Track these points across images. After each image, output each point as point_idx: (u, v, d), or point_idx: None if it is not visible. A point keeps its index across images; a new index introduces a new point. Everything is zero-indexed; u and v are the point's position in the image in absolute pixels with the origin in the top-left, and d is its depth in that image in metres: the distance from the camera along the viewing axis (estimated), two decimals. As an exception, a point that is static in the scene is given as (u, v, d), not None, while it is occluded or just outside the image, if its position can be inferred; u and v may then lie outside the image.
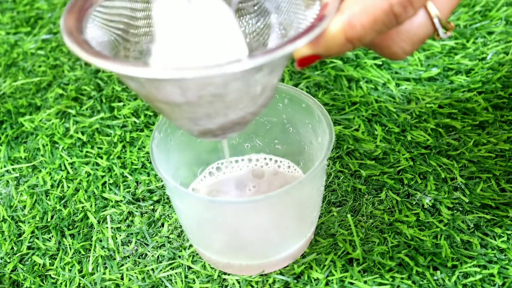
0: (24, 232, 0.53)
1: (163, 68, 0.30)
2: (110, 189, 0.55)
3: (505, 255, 0.47)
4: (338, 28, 0.32)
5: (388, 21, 0.32)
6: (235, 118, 0.35)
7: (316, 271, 0.47)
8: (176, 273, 0.48)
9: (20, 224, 0.54)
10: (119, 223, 0.52)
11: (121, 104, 0.64)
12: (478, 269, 0.46)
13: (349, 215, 0.50)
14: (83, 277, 0.49)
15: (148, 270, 0.48)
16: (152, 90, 0.32)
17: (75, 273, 0.49)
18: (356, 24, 0.32)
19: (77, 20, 0.34)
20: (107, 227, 0.52)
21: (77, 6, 0.35)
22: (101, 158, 0.58)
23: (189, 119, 0.35)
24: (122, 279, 0.48)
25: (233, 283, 0.47)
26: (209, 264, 0.48)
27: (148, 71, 0.30)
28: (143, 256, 0.50)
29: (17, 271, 0.50)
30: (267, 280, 0.47)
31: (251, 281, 0.47)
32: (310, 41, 0.31)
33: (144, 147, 0.59)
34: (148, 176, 0.56)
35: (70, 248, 0.51)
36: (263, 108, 0.36)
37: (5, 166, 0.59)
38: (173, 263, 0.49)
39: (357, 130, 0.58)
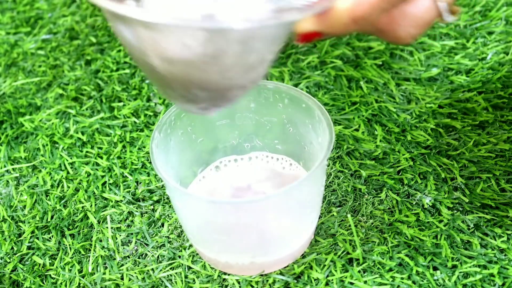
0: (24, 232, 0.53)
1: (175, 14, 0.29)
2: (110, 189, 0.55)
3: (505, 255, 0.47)
4: (344, 6, 0.32)
5: None
6: (223, 87, 0.34)
7: (316, 271, 0.47)
8: (176, 273, 0.48)
9: (20, 224, 0.54)
10: (119, 223, 0.52)
11: (121, 104, 0.64)
12: (478, 269, 0.46)
13: (349, 215, 0.50)
14: (83, 277, 0.49)
15: (148, 270, 0.48)
16: (150, 41, 0.31)
17: (75, 273, 0.49)
18: (363, 2, 0.32)
19: None
20: (107, 227, 0.52)
21: None
22: (101, 158, 0.58)
23: (179, 83, 0.34)
24: (122, 279, 0.48)
25: (233, 283, 0.47)
26: (209, 264, 0.48)
27: (161, 15, 0.29)
28: (143, 256, 0.50)
29: (17, 271, 0.50)
30: (267, 280, 0.47)
31: (251, 281, 0.47)
32: (318, 12, 0.31)
33: (144, 147, 0.59)
34: (148, 176, 0.56)
35: (70, 248, 0.51)
36: (252, 85, 0.36)
37: (5, 166, 0.59)
38: (173, 263, 0.49)
39: (357, 130, 0.58)
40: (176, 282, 0.47)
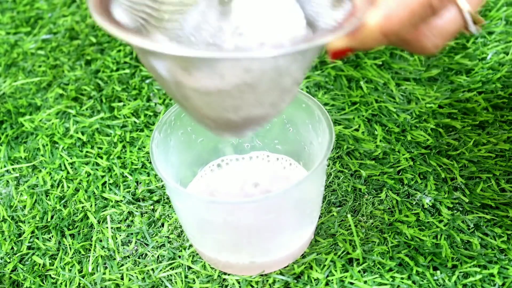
0: (24, 232, 0.53)
1: (205, 48, 0.29)
2: (110, 189, 0.55)
3: (505, 255, 0.47)
4: (375, 22, 0.32)
5: (424, 13, 0.32)
6: (259, 112, 0.35)
7: (316, 271, 0.47)
8: (176, 273, 0.48)
9: (20, 224, 0.54)
10: (119, 223, 0.52)
11: (121, 104, 0.64)
12: (478, 269, 0.46)
13: (349, 215, 0.50)
14: (83, 277, 0.49)
15: (148, 270, 0.48)
16: (185, 75, 0.32)
17: (75, 273, 0.49)
18: (394, 18, 0.32)
19: (102, 4, 0.33)
20: (107, 227, 0.52)
21: None
22: (101, 158, 0.58)
23: (215, 111, 0.34)
24: (122, 279, 0.48)
25: (233, 283, 0.47)
26: (209, 264, 0.48)
27: (191, 50, 0.29)
28: (143, 256, 0.50)
29: (17, 271, 0.50)
30: (267, 280, 0.47)
31: (251, 281, 0.47)
32: (348, 32, 0.31)
33: (144, 147, 0.59)
34: (148, 176, 0.56)
35: (70, 248, 0.51)
36: (286, 106, 0.36)
37: (5, 166, 0.59)
38: (173, 263, 0.49)
39: (357, 130, 0.58)
40: (176, 282, 0.47)
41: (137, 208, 0.53)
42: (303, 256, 0.48)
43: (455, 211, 0.50)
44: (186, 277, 0.48)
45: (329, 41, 0.30)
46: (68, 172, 0.57)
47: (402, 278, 0.46)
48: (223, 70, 0.31)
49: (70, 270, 0.49)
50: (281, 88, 0.34)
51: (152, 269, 0.49)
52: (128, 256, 0.50)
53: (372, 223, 0.50)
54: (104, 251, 0.50)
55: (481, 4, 0.35)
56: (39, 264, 0.50)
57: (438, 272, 0.46)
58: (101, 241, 0.51)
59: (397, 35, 0.33)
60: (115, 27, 0.30)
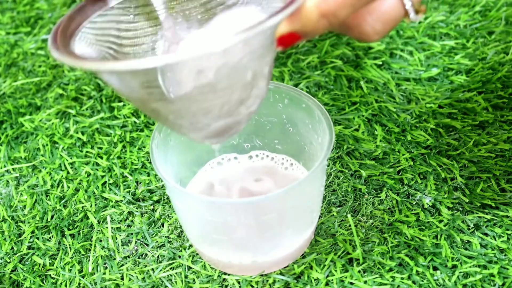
0: (24, 232, 0.53)
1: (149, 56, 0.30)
2: (110, 189, 0.55)
3: (505, 255, 0.47)
4: (313, 2, 0.32)
5: None
6: (231, 109, 0.35)
7: (316, 271, 0.47)
8: (176, 273, 0.48)
9: (20, 224, 0.54)
10: (119, 223, 0.52)
11: (121, 104, 0.64)
12: (478, 269, 0.46)
13: (349, 215, 0.50)
14: (83, 277, 0.49)
15: (148, 270, 0.48)
16: (141, 89, 0.32)
17: (75, 273, 0.49)
18: None
19: (64, 39, 0.34)
20: (107, 227, 0.52)
21: (62, 28, 0.34)
22: (101, 158, 0.58)
23: (187, 120, 0.35)
24: (122, 279, 0.48)
25: (233, 283, 0.47)
26: (209, 264, 0.48)
27: (134, 61, 0.29)
28: (143, 256, 0.50)
29: (17, 271, 0.50)
30: (267, 280, 0.47)
31: (251, 281, 0.47)
32: (288, 14, 0.31)
33: (144, 147, 0.59)
34: (148, 176, 0.56)
35: (70, 248, 0.51)
36: (258, 100, 0.36)
37: (5, 166, 0.59)
38: (173, 263, 0.49)
39: (357, 130, 0.58)
40: (176, 282, 0.47)
41: (137, 208, 0.53)
42: (303, 256, 0.48)
43: (455, 211, 0.50)
44: (186, 277, 0.48)
45: (269, 26, 0.30)
46: (68, 172, 0.57)
47: (402, 278, 0.46)
48: (178, 76, 0.31)
49: (70, 270, 0.49)
50: (243, 83, 0.34)
51: (152, 269, 0.49)
52: (128, 256, 0.50)
53: (372, 223, 0.50)
54: (104, 251, 0.50)
55: None
56: (39, 264, 0.50)
57: (438, 272, 0.46)
58: (101, 241, 0.51)
59: (335, 16, 0.33)
60: (70, 58, 0.31)
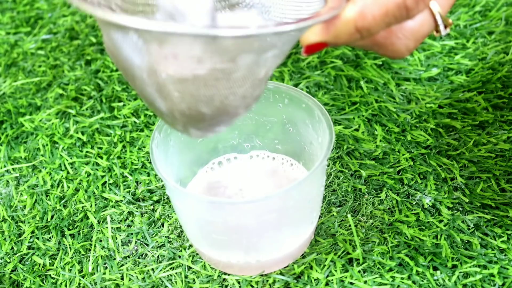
0: (24, 232, 0.53)
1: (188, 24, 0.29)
2: (110, 189, 0.55)
3: (505, 255, 0.47)
4: (349, 17, 0.33)
5: (399, 14, 0.32)
6: (233, 104, 0.34)
7: (316, 271, 0.47)
8: (176, 273, 0.48)
9: (20, 224, 0.54)
10: (119, 223, 0.52)
11: (121, 104, 0.64)
12: (478, 269, 0.46)
13: (349, 215, 0.50)
14: (83, 277, 0.49)
15: (148, 270, 0.48)
16: (161, 59, 0.31)
17: (75, 273, 0.49)
18: (368, 14, 0.32)
19: None
20: (107, 227, 0.52)
21: None
22: (101, 158, 0.58)
23: (186, 102, 0.34)
24: (122, 279, 0.48)
25: (233, 283, 0.47)
26: (209, 264, 0.48)
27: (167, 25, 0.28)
28: (143, 256, 0.50)
29: (17, 271, 0.50)
30: (267, 280, 0.47)
31: (251, 281, 0.47)
32: (324, 21, 0.32)
33: (144, 147, 0.59)
34: (148, 176, 0.56)
35: (70, 248, 0.51)
36: (254, 102, 0.36)
37: (5, 166, 0.59)
38: (173, 263, 0.49)
39: (357, 130, 0.58)
40: (176, 282, 0.47)
41: (137, 208, 0.53)
42: (303, 256, 0.48)
43: (455, 211, 0.50)
44: (186, 277, 0.48)
45: (306, 27, 0.30)
46: (68, 172, 0.57)
47: (402, 278, 0.46)
48: (201, 52, 0.31)
49: (70, 270, 0.49)
50: (254, 79, 0.34)
51: (152, 269, 0.49)
52: (128, 256, 0.50)
53: (372, 223, 0.50)
54: (104, 251, 0.50)
55: (451, 6, 0.35)
56: (39, 264, 0.50)
57: (438, 272, 0.46)
58: (101, 241, 0.51)
59: (369, 32, 0.33)
60: (94, 7, 0.30)
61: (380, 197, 0.52)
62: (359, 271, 0.46)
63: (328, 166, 0.55)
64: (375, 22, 0.32)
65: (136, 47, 0.32)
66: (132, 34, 0.32)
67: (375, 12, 0.32)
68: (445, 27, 0.35)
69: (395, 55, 0.36)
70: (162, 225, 0.52)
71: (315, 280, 0.46)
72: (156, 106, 0.36)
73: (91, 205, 0.54)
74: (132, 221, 0.53)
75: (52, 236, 0.52)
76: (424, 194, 0.52)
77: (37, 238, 0.52)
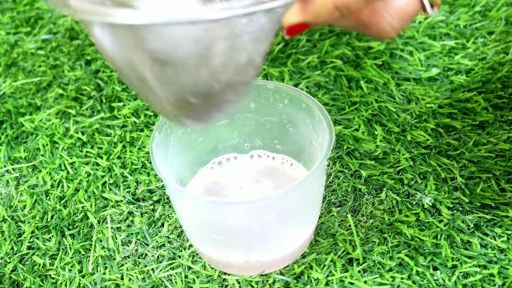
0: (24, 232, 0.53)
1: (155, 11, 0.29)
2: (110, 189, 0.55)
3: (505, 255, 0.47)
4: None
5: None
6: (215, 90, 0.34)
7: (316, 271, 0.47)
8: (176, 273, 0.48)
9: (20, 224, 0.54)
10: (119, 223, 0.52)
11: (121, 104, 0.64)
12: (478, 269, 0.46)
13: (349, 215, 0.50)
14: (83, 277, 0.49)
15: (148, 270, 0.48)
16: (135, 50, 0.32)
17: (75, 273, 0.49)
18: None
19: None
20: (107, 227, 0.52)
21: None
22: (101, 158, 0.58)
23: (171, 93, 0.34)
24: (122, 279, 0.48)
25: (233, 283, 0.47)
26: (209, 264, 0.48)
27: (140, 15, 0.29)
28: (143, 256, 0.50)
29: (17, 271, 0.50)
30: (267, 280, 0.47)
31: (251, 281, 0.47)
32: (296, 0, 0.31)
33: (144, 147, 0.59)
34: (148, 176, 0.56)
35: (70, 248, 0.51)
36: (243, 89, 0.36)
37: (5, 166, 0.59)
38: (173, 263, 0.49)
39: (357, 130, 0.58)
40: (176, 282, 0.47)
41: (137, 208, 0.53)
42: (303, 256, 0.48)
43: (455, 211, 0.50)
44: (186, 277, 0.48)
45: (277, 7, 0.30)
46: (68, 172, 0.57)
47: (402, 278, 0.46)
48: (175, 40, 0.31)
49: (70, 270, 0.49)
50: (237, 65, 0.33)
51: (152, 269, 0.49)
52: (128, 256, 0.50)
53: (372, 223, 0.50)
54: (104, 251, 0.50)
55: None
56: (39, 264, 0.50)
57: (438, 272, 0.46)
58: (101, 241, 0.51)
59: (349, 10, 0.32)
60: (67, 8, 0.30)
61: (380, 197, 0.52)
62: (359, 271, 0.46)
63: (328, 166, 0.55)
64: None
65: (112, 40, 0.33)
66: (105, 27, 0.32)
67: None
68: (432, 6, 0.34)
69: (381, 35, 0.35)
70: (162, 225, 0.52)
71: (315, 280, 0.46)
72: (147, 98, 0.36)
73: (91, 205, 0.54)
74: (132, 221, 0.53)
75: (52, 236, 0.52)
76: (424, 194, 0.52)
77: (37, 238, 0.52)
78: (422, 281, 0.45)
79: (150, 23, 0.29)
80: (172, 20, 0.29)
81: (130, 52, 0.32)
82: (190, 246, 0.50)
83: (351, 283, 0.46)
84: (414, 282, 0.46)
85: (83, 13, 0.30)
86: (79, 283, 0.48)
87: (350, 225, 0.50)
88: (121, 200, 0.54)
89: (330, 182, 0.53)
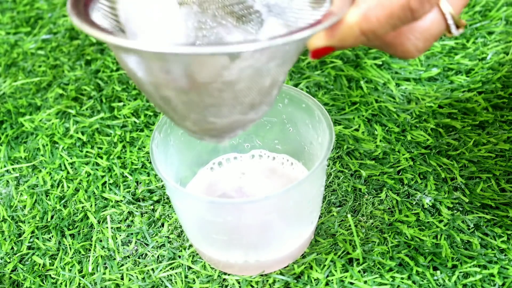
0: (24, 232, 0.53)
1: (182, 44, 0.29)
2: (110, 189, 0.55)
3: (505, 255, 0.47)
4: (353, 20, 0.32)
5: (404, 16, 0.32)
6: (240, 113, 0.35)
7: (316, 271, 0.47)
8: (176, 273, 0.48)
9: (20, 224, 0.54)
10: (119, 223, 0.52)
11: (121, 104, 0.64)
12: (478, 269, 0.46)
13: (349, 215, 0.50)
14: (83, 277, 0.49)
15: (148, 270, 0.48)
16: (161, 73, 0.32)
17: (75, 273, 0.49)
18: (372, 17, 0.32)
19: (81, 7, 0.33)
20: (107, 227, 0.52)
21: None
22: (101, 158, 0.58)
23: (195, 113, 0.34)
24: (122, 279, 0.48)
25: (233, 283, 0.47)
26: (209, 264, 0.48)
27: (169, 46, 0.29)
28: (143, 256, 0.50)
29: (17, 271, 0.50)
30: (267, 280, 0.47)
31: (251, 281, 0.47)
32: (325, 28, 0.31)
33: (144, 147, 0.59)
34: (148, 176, 0.56)
35: (70, 248, 0.51)
36: (266, 108, 0.36)
37: (5, 166, 0.59)
38: (173, 263, 0.49)
39: (357, 130, 0.58)
40: (176, 282, 0.47)
41: (137, 208, 0.53)
42: (303, 256, 0.48)
43: (455, 211, 0.50)
44: (186, 277, 0.48)
45: (306, 37, 0.30)
46: (68, 172, 0.57)
47: (402, 278, 0.46)
48: (201, 68, 0.31)
49: (70, 270, 0.49)
50: (260, 88, 0.34)
51: (152, 269, 0.49)
52: (128, 256, 0.50)
53: (372, 223, 0.50)
54: (104, 251, 0.50)
55: (464, 6, 0.35)
56: (39, 264, 0.50)
57: (438, 272, 0.46)
58: (101, 241, 0.51)
59: (375, 35, 0.33)
60: (93, 28, 0.30)
61: (380, 197, 0.52)
62: (359, 271, 0.46)
63: (328, 166, 0.55)
64: (380, 24, 0.32)
65: (137, 64, 0.33)
66: (130, 54, 0.32)
67: (379, 14, 0.32)
68: (457, 27, 0.34)
69: (405, 56, 0.35)
70: (162, 225, 0.52)
71: (315, 280, 0.46)
72: (167, 114, 0.36)
73: (91, 205, 0.54)
74: (132, 221, 0.53)
75: (52, 236, 0.52)
76: (424, 194, 0.52)
77: (37, 238, 0.52)
78: (422, 281, 0.46)
79: (178, 52, 0.29)
80: (199, 52, 0.29)
81: (154, 75, 0.32)
82: (190, 246, 0.50)
83: (351, 283, 0.46)
84: (414, 282, 0.46)
85: (109, 35, 0.30)
86: (79, 283, 0.48)
87: (350, 225, 0.50)
88: (121, 200, 0.54)
89: (330, 182, 0.53)
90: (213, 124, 0.35)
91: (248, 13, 0.39)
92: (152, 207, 0.53)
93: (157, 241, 0.50)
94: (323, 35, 0.33)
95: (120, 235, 0.51)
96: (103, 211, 0.53)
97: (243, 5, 0.39)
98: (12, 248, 0.52)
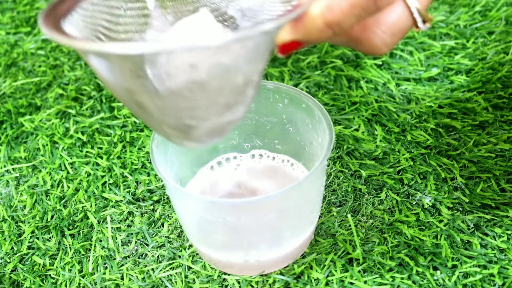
0: (24, 232, 0.53)
1: (144, 42, 0.29)
2: (110, 189, 0.55)
3: (505, 255, 0.47)
4: (317, 11, 0.32)
5: (367, 5, 0.32)
6: (216, 114, 0.34)
7: (316, 271, 0.47)
8: (176, 273, 0.48)
9: (20, 224, 0.54)
10: (119, 223, 0.52)
11: (121, 104, 0.64)
12: (478, 269, 0.46)
13: (349, 215, 0.50)
14: (83, 277, 0.49)
15: (148, 270, 0.48)
16: (131, 77, 0.32)
17: (75, 273, 0.49)
18: (335, 7, 0.32)
19: (55, 18, 0.33)
20: (107, 227, 0.52)
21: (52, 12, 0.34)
22: (101, 158, 0.58)
23: (170, 118, 0.34)
24: (122, 279, 0.48)
25: (233, 283, 0.47)
26: (209, 264, 0.48)
27: (131, 46, 0.28)
28: (143, 256, 0.50)
29: (17, 271, 0.50)
30: (267, 280, 0.47)
31: (251, 281, 0.47)
32: (290, 20, 0.31)
33: (144, 147, 0.59)
34: (148, 176, 0.56)
35: (70, 248, 0.51)
36: (243, 109, 0.36)
37: (5, 166, 0.59)
38: (173, 263, 0.49)
39: (357, 130, 0.58)
40: (176, 282, 0.47)
41: (137, 208, 0.53)
42: (303, 256, 0.48)
43: (455, 211, 0.50)
44: (186, 277, 0.48)
45: (270, 29, 0.30)
46: (68, 172, 0.57)
47: (402, 278, 0.46)
48: (169, 68, 0.31)
49: (70, 270, 0.49)
50: (234, 87, 0.33)
51: (152, 269, 0.49)
52: (128, 256, 0.50)
53: (372, 223, 0.50)
54: (104, 251, 0.50)
55: (430, 1, 0.35)
56: (39, 264, 0.50)
57: (438, 272, 0.46)
58: (101, 241, 0.51)
59: (340, 27, 0.32)
60: (62, 36, 0.30)
61: (380, 197, 0.52)
62: (359, 271, 0.46)
63: (328, 166, 0.55)
64: (344, 15, 0.32)
65: (108, 68, 0.33)
66: (100, 58, 0.32)
67: (342, 5, 0.31)
68: (424, 22, 0.34)
69: (373, 51, 0.35)
70: (162, 225, 0.52)
71: (315, 280, 0.46)
72: (144, 119, 0.36)
73: (91, 205, 0.54)
74: (132, 221, 0.53)
75: (52, 236, 0.52)
76: (424, 194, 0.52)
77: (37, 238, 0.52)
78: (422, 281, 0.46)
79: (143, 53, 0.29)
80: (165, 49, 0.29)
81: (125, 80, 0.32)
82: (190, 246, 0.50)
83: (351, 283, 0.46)
84: (414, 282, 0.46)
85: (78, 42, 0.30)
86: (79, 283, 0.48)
87: (350, 225, 0.50)
88: (121, 200, 0.54)
89: (330, 182, 0.53)
90: (190, 127, 0.35)
91: (223, 20, 0.39)
92: (152, 207, 0.53)
93: (157, 241, 0.50)
94: (289, 29, 0.33)
95: (120, 235, 0.51)
96: (103, 211, 0.53)
97: (218, 12, 0.39)
98: (12, 248, 0.52)
